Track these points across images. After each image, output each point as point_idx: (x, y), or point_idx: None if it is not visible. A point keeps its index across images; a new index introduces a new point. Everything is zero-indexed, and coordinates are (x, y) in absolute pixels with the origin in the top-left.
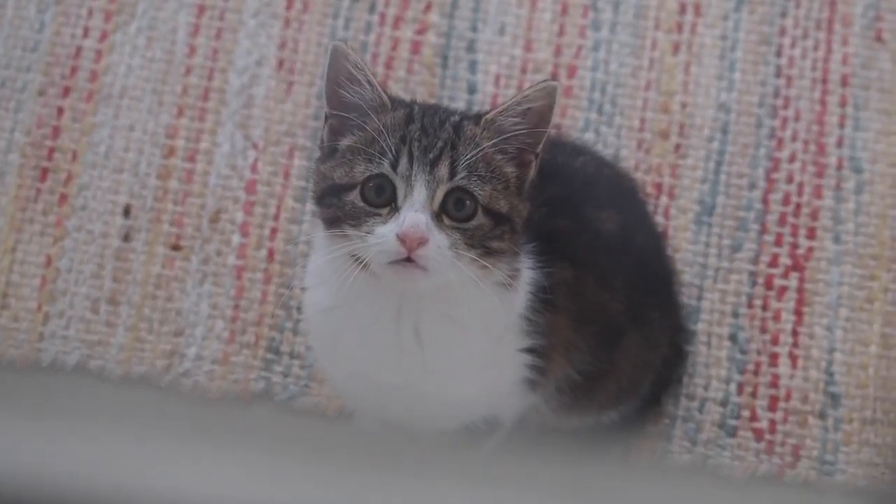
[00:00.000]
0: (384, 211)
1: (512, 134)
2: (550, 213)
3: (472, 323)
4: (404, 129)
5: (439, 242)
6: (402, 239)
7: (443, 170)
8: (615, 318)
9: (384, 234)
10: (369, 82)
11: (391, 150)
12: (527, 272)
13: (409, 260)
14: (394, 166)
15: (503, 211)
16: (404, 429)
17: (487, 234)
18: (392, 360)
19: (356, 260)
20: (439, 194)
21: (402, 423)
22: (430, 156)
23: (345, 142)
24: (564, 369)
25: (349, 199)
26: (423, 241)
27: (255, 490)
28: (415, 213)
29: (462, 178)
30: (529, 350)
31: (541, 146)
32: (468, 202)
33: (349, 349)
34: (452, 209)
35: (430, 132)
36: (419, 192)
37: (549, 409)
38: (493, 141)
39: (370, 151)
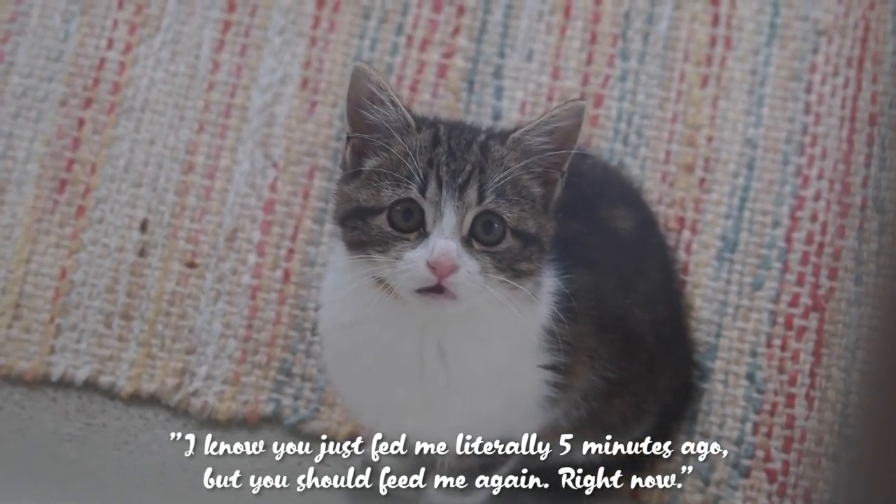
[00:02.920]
0: (412, 236)
1: (539, 155)
2: (565, 218)
3: (498, 339)
4: (431, 151)
5: (469, 268)
6: (432, 267)
7: (472, 194)
8: (638, 326)
9: (413, 260)
10: (393, 102)
11: (419, 175)
12: (548, 282)
13: (438, 287)
14: (422, 191)
15: (531, 231)
16: (421, 451)
17: (517, 256)
18: (414, 377)
19: (381, 283)
20: (468, 219)
21: (419, 442)
22: (459, 180)
23: (369, 163)
24: (588, 378)
25: (375, 224)
26: (453, 269)
27: None
28: (445, 239)
29: (491, 202)
30: (552, 367)
31: (566, 164)
32: (497, 225)
33: (368, 366)
34: (481, 233)
35: (457, 155)
36: (448, 218)
37: (567, 425)
38: (522, 164)
39: (397, 175)
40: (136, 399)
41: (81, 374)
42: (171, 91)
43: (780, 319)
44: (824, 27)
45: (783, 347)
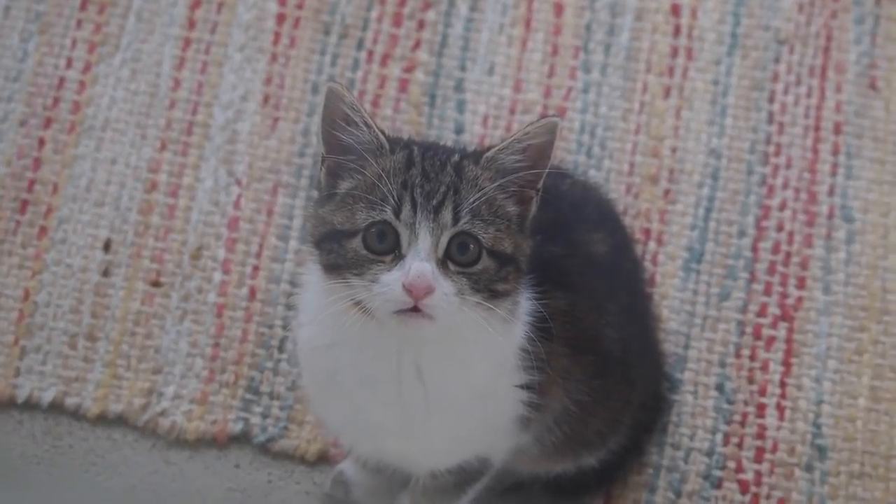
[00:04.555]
0: (387, 258)
1: (513, 173)
2: (544, 240)
3: (475, 359)
4: (405, 173)
5: (445, 290)
6: (408, 289)
7: (446, 215)
8: (609, 345)
9: (389, 282)
10: (366, 124)
11: (393, 197)
12: (524, 303)
13: (415, 308)
14: (397, 213)
15: (508, 252)
16: (397, 468)
17: (493, 277)
18: (392, 398)
19: (358, 305)
20: (443, 240)
21: (397, 462)
22: (434, 202)
23: (344, 185)
24: (561, 401)
25: (351, 247)
26: (429, 291)
27: None
28: (420, 261)
29: (466, 223)
30: (527, 386)
31: (541, 182)
32: (472, 246)
33: (347, 387)
34: (457, 254)
35: (431, 176)
36: (424, 240)
37: (539, 449)
38: (497, 183)
39: (371, 198)
40: (103, 420)
41: (47, 396)
42: (132, 109)
43: (749, 329)
44: (786, 36)
45: (752, 357)
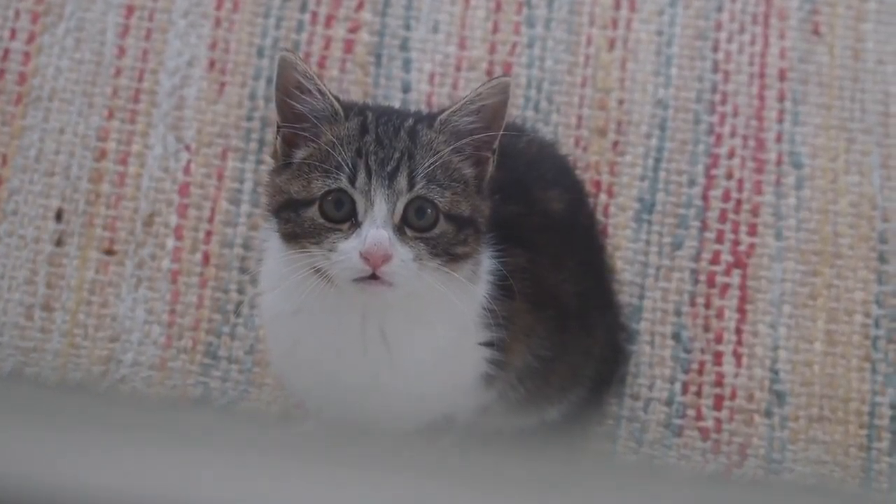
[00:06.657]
0: (345, 226)
1: (468, 136)
2: (502, 200)
3: (438, 321)
4: (359, 140)
5: (403, 256)
6: (365, 257)
7: (402, 181)
8: (568, 300)
9: (347, 251)
10: (320, 91)
11: (348, 164)
12: (486, 262)
13: (374, 276)
14: (352, 181)
15: (465, 214)
16: (362, 429)
17: (451, 241)
18: (357, 363)
19: (319, 273)
20: (400, 206)
21: (363, 424)
22: (388, 168)
23: (299, 154)
24: (524, 357)
25: (308, 216)
26: (387, 258)
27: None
28: (377, 229)
29: (422, 188)
30: (490, 343)
31: (496, 143)
32: (429, 210)
33: (311, 353)
34: (414, 219)
35: (385, 142)
36: (380, 207)
37: (503, 407)
38: (452, 147)
39: (326, 166)
40: (62, 388)
41: (6, 368)
42: (78, 79)
43: (703, 278)
44: None
45: (707, 305)
